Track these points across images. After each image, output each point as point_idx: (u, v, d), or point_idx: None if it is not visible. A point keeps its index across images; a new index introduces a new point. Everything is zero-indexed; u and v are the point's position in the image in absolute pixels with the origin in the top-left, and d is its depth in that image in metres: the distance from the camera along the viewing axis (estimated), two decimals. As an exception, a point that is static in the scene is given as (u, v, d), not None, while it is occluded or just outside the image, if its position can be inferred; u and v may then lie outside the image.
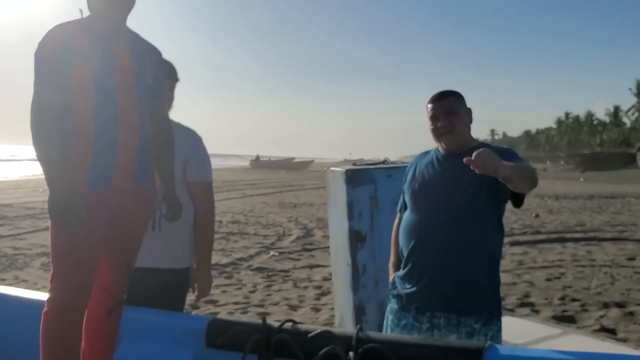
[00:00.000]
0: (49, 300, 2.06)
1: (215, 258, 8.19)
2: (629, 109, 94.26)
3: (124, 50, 2.19)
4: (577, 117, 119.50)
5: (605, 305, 5.54)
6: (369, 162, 4.63)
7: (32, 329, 2.51)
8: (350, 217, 4.06)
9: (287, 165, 57.63)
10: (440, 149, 2.54)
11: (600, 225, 11.83)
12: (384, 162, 4.48)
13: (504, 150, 2.43)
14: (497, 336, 2.36)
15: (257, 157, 63.70)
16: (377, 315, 4.05)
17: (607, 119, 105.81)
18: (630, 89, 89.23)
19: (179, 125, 2.72)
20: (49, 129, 2.02)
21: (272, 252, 8.77)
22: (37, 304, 2.66)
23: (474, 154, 2.05)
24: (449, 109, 2.44)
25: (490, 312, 2.36)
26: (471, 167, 2.06)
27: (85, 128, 2.08)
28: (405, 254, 2.49)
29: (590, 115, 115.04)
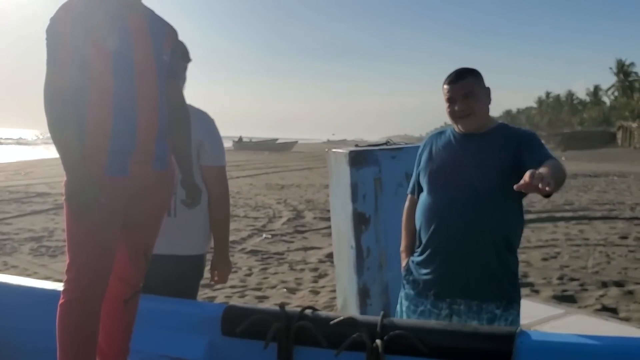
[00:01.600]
0: (65, 291, 1.95)
1: (207, 241, 8.09)
2: (609, 88, 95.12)
3: (140, 27, 2.07)
4: (558, 96, 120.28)
5: (604, 285, 5.57)
6: (370, 143, 4.55)
7: (31, 317, 2.43)
8: (354, 199, 3.98)
9: (270, 146, 57.34)
10: (457, 129, 2.44)
11: (588, 204, 11.93)
12: (387, 143, 4.40)
13: (528, 135, 2.35)
14: (516, 321, 2.32)
15: (240, 139, 63.32)
16: (381, 299, 4.01)
17: (587, 99, 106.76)
18: (610, 68, 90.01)
19: (190, 107, 2.57)
20: (65, 111, 1.89)
21: (264, 235, 8.69)
22: (39, 292, 2.59)
23: (529, 176, 1.88)
24: (467, 92, 2.32)
25: (510, 296, 2.31)
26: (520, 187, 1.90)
27: (103, 109, 1.96)
28: (424, 239, 2.40)
29: (570, 94, 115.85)
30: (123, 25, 2.02)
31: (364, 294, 4.08)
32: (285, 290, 5.69)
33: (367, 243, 4.02)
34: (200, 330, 2.32)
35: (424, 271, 2.39)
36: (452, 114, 2.35)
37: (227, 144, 69.14)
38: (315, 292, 5.57)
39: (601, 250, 7.20)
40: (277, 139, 66.15)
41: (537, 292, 5.39)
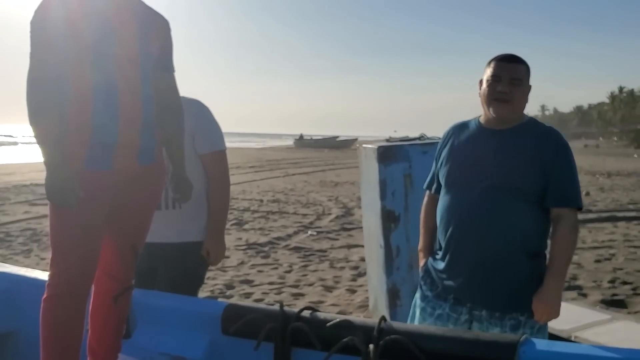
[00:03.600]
0: (48, 286, 1.95)
1: (254, 237, 8.15)
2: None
3: (125, 18, 2.04)
4: (632, 91, 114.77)
5: (660, 289, 5.21)
6: (404, 138, 4.42)
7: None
8: (382, 196, 3.88)
9: (330, 143, 57.39)
10: (483, 119, 2.25)
11: (655, 203, 11.27)
12: (420, 137, 4.26)
13: (547, 133, 2.16)
14: (543, 328, 2.16)
15: (301, 136, 63.71)
16: (411, 300, 3.87)
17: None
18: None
19: (183, 97, 2.52)
20: (44, 103, 1.88)
21: (310, 232, 8.66)
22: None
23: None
24: (516, 77, 2.14)
25: None
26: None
27: (84, 101, 1.95)
28: (442, 242, 2.26)
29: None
30: (106, 17, 1.99)
31: (393, 295, 3.97)
32: (322, 287, 5.63)
33: (396, 242, 3.91)
34: (201, 328, 2.29)
35: (443, 275, 2.25)
36: (491, 94, 2.15)
37: (289, 142, 70.02)
38: (352, 291, 5.49)
39: (661, 252, 6.76)
40: (337, 137, 66.16)
41: (584, 295, 5.10)
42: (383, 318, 2.01)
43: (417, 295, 2.41)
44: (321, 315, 2.15)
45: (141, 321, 2.40)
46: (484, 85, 2.19)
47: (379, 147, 3.88)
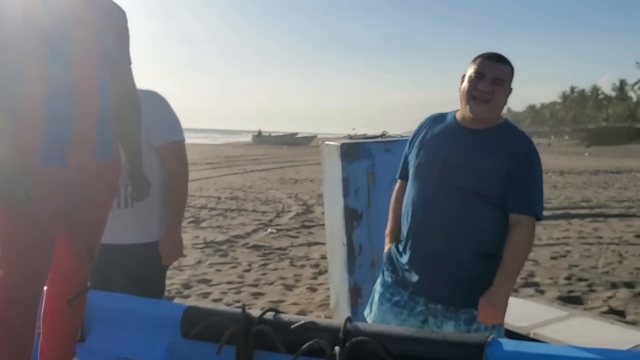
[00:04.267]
0: None
1: (211, 235, 8.01)
2: (635, 83, 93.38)
3: (80, 7, 1.93)
4: (583, 91, 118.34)
5: (614, 285, 5.32)
6: (367, 136, 4.39)
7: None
8: (345, 194, 3.84)
9: (289, 140, 57.25)
10: (459, 115, 2.22)
11: (606, 201, 11.59)
12: (382, 135, 4.23)
13: (519, 139, 2.15)
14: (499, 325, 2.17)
15: (260, 133, 63.27)
16: (373, 298, 3.87)
17: (613, 94, 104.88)
18: (637, 62, 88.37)
19: (138, 90, 2.41)
20: None
21: (269, 230, 8.57)
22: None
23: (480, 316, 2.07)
24: (499, 77, 2.11)
25: None
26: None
27: (36, 95, 1.83)
28: (404, 232, 2.28)
29: (595, 89, 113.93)
30: (60, 6, 1.88)
31: (355, 293, 3.94)
32: (282, 286, 5.56)
33: (359, 240, 3.88)
34: (160, 331, 2.21)
35: (404, 266, 2.26)
36: (471, 91, 2.11)
37: (247, 139, 69.40)
38: (312, 290, 5.44)
39: (614, 249, 6.91)
40: (296, 134, 66.02)
41: (542, 292, 5.17)
42: (349, 319, 1.97)
43: (379, 280, 2.41)
44: (285, 317, 2.08)
45: (97, 324, 2.31)
46: (466, 81, 2.15)
47: (342, 145, 3.84)
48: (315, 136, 64.40)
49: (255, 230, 8.48)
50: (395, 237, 2.37)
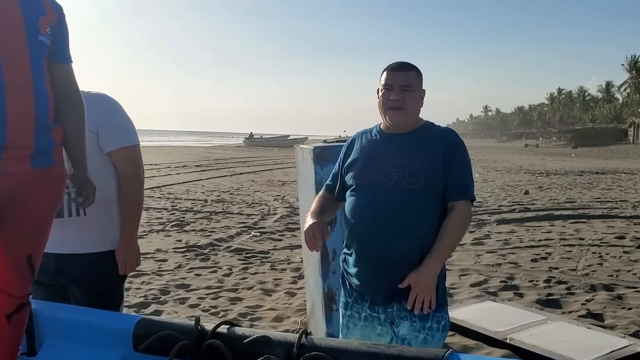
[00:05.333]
0: None
1: (194, 239, 7.92)
2: (621, 85, 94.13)
3: (8, 4, 1.83)
4: (570, 93, 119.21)
5: (593, 288, 5.31)
6: (339, 139, 4.34)
7: None
8: (318, 198, 3.78)
9: (281, 142, 57.18)
10: (383, 126, 2.36)
11: (590, 201, 11.60)
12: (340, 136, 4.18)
13: (454, 144, 2.25)
14: (446, 319, 2.26)
15: (251, 135, 63.14)
16: (348, 303, 3.81)
17: (599, 95, 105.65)
18: (622, 64, 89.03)
19: (87, 93, 2.32)
20: None
21: (253, 232, 8.50)
22: None
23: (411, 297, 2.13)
24: (406, 84, 2.25)
25: (440, 298, 2.22)
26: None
27: None
28: (349, 242, 2.31)
29: (582, 91, 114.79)
30: None
31: (329, 299, 3.89)
32: (261, 291, 5.49)
33: (332, 245, 3.82)
34: (113, 344, 2.11)
35: (354, 277, 2.29)
36: (385, 103, 2.27)
37: (239, 141, 69.05)
38: (291, 294, 5.38)
39: (595, 251, 6.90)
40: (288, 136, 65.92)
41: (521, 295, 5.14)
42: (304, 333, 1.90)
43: (340, 303, 2.43)
44: (239, 330, 2.01)
45: (48, 337, 2.22)
46: (380, 94, 2.29)
47: (315, 148, 3.79)
48: (307, 138, 64.33)
49: (238, 234, 8.41)
50: (318, 218, 2.36)
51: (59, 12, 1.99)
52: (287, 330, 4.37)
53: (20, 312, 1.98)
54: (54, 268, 2.38)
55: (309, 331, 1.95)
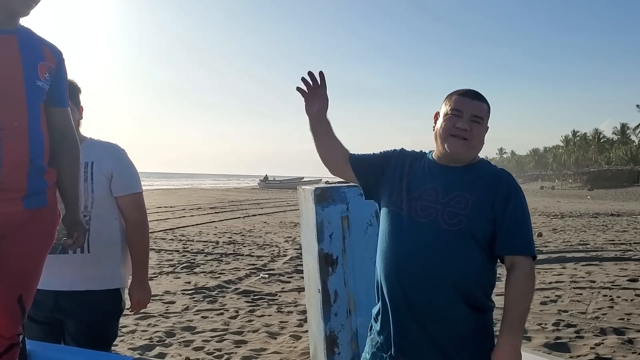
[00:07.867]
0: None
1: (203, 281, 7.93)
2: (637, 127, 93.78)
3: (7, 50, 1.89)
4: (585, 135, 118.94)
5: (603, 332, 5.21)
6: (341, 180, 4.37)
7: None
8: (320, 239, 3.79)
9: (295, 184, 57.39)
10: (435, 155, 2.10)
11: (603, 244, 11.46)
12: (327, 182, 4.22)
13: (499, 175, 2.03)
14: None
15: (266, 177, 63.60)
16: (350, 347, 3.77)
17: (614, 137, 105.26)
18: (637, 105, 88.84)
19: (99, 142, 2.60)
20: None
21: (261, 274, 8.49)
22: None
23: None
24: (477, 114, 2.01)
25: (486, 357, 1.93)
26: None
27: None
28: (377, 281, 2.08)
29: (597, 133, 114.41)
30: None
31: (331, 342, 3.85)
32: (266, 334, 5.46)
33: (334, 286, 3.81)
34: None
35: (378, 325, 2.07)
36: (449, 129, 2.00)
37: (254, 184, 69.55)
38: (296, 337, 5.34)
39: (606, 293, 6.80)
40: (302, 177, 66.28)
41: (528, 339, 5.05)
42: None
43: (369, 339, 2.18)
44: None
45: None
46: (441, 119, 2.04)
47: (316, 189, 3.83)
48: (321, 179, 64.43)
49: (247, 275, 8.40)
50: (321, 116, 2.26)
51: (58, 57, 2.05)
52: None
53: (10, 353, 1.98)
54: (52, 305, 2.43)
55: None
